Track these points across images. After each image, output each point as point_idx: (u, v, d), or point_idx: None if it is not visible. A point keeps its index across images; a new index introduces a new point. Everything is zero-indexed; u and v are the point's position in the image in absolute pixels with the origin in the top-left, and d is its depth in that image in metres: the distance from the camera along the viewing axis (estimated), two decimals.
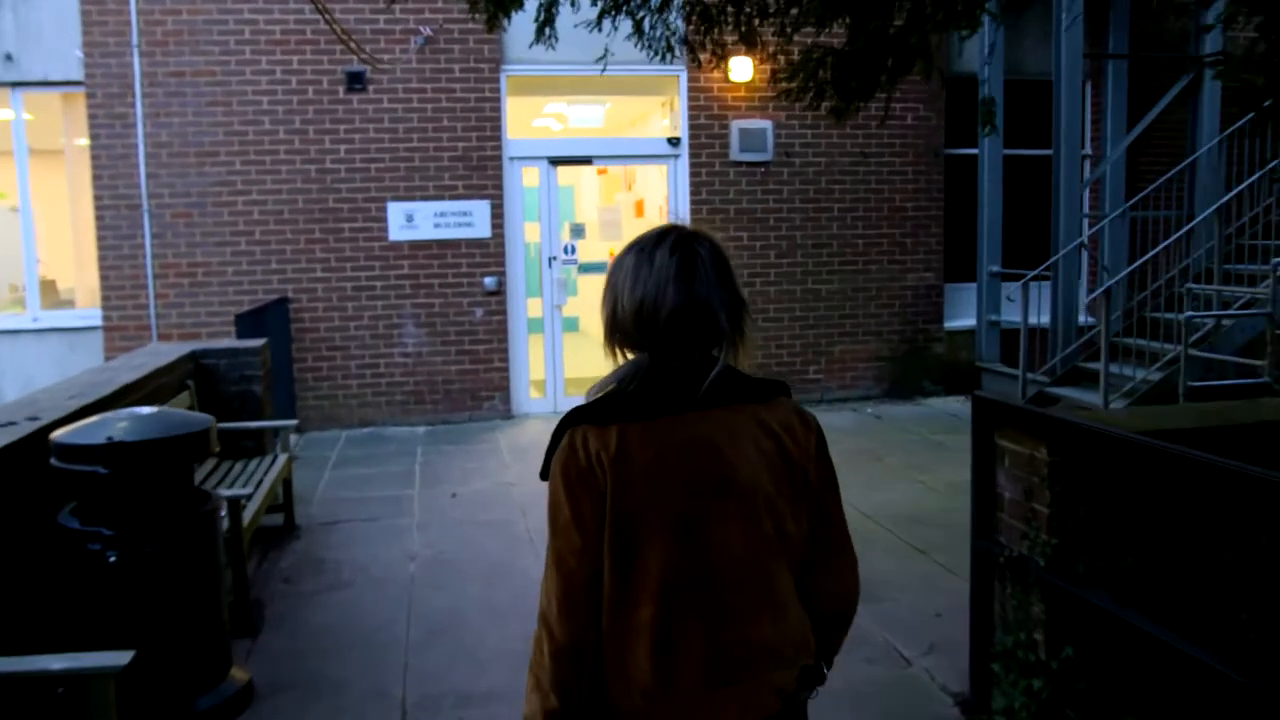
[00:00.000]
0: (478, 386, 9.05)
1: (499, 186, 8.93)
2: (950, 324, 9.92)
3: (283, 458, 5.95)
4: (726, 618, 1.64)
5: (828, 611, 1.78)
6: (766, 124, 9.27)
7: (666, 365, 1.65)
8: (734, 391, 1.67)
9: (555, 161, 9.17)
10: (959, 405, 9.53)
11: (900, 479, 6.99)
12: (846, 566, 1.80)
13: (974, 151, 9.76)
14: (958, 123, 9.75)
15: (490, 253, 8.96)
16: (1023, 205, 10.06)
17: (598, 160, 9.45)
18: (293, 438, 8.56)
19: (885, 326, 9.74)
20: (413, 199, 8.80)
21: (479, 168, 8.88)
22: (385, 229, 8.80)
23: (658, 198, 10.44)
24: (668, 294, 1.62)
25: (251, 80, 8.54)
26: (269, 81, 8.57)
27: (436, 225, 8.83)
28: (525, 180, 9.19)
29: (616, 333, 1.69)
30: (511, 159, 9.02)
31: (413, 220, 8.79)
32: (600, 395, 1.68)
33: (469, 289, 8.95)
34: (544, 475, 1.67)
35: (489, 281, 8.93)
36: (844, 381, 9.70)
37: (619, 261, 1.70)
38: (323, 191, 8.71)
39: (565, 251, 9.26)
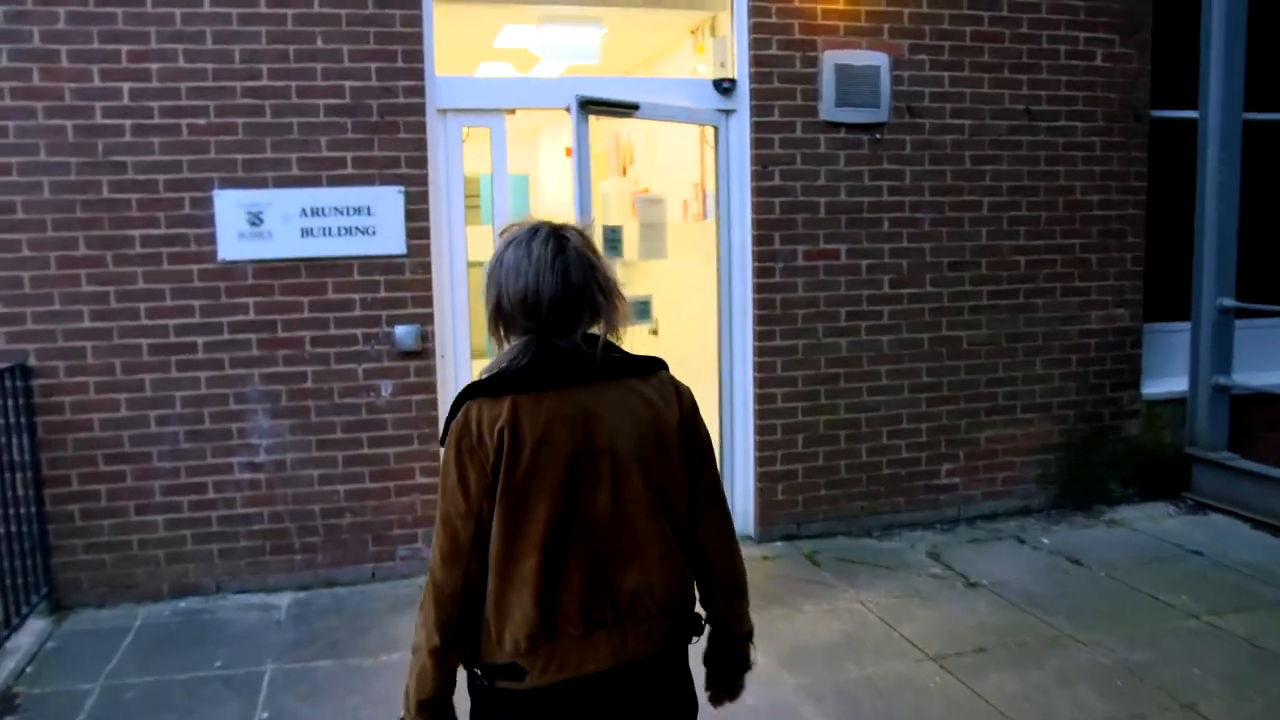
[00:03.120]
0: (386, 520, 5.11)
1: (420, 162, 5.00)
2: (1146, 389, 6.26)
3: None
4: (602, 566, 1.81)
5: (714, 563, 1.97)
6: (880, 59, 5.47)
7: (552, 344, 1.82)
8: (616, 366, 1.87)
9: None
10: (1175, 523, 5.87)
11: None
12: (721, 519, 1.99)
13: (1192, 115, 6.10)
14: (1164, 70, 6.09)
15: (405, 280, 5.03)
16: (1267, 201, 6.45)
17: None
18: (42, 625, 4.58)
19: (1057, 396, 6.02)
20: (262, 184, 4.84)
21: (382, 127, 4.94)
22: (211, 238, 4.82)
23: (680, 185, 6.55)
24: (547, 282, 1.79)
25: None
26: None
27: (306, 232, 4.88)
28: (468, 152, 5.28)
29: (502, 320, 1.86)
30: (442, 112, 5.10)
31: (262, 222, 4.83)
32: (495, 372, 1.84)
33: (368, 347, 5.02)
34: (443, 441, 1.83)
35: (403, 333, 5.01)
36: (992, 486, 5.95)
37: (499, 257, 1.85)
38: (90, 170, 4.70)
39: None
